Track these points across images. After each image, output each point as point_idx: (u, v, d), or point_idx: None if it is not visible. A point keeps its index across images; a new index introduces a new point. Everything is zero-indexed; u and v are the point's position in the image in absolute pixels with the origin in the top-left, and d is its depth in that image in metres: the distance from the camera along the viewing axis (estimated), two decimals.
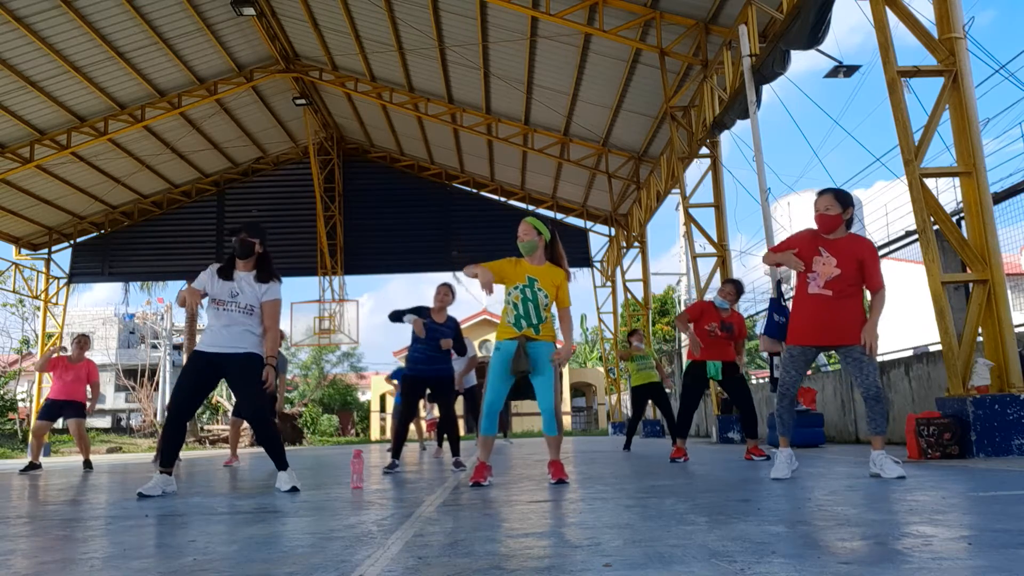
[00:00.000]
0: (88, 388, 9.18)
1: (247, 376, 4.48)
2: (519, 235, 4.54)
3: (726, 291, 6.59)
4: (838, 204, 4.11)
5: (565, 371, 31.63)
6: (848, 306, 4.06)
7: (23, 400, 24.29)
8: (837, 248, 4.10)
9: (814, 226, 4.23)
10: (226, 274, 4.56)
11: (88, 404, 9.47)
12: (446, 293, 6.52)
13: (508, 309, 4.45)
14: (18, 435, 21.70)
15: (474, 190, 21.17)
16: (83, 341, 9.29)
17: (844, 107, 78.48)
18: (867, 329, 4.00)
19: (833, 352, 4.32)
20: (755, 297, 22.96)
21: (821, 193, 4.20)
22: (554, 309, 4.57)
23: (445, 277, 20.71)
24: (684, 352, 8.93)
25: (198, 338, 4.73)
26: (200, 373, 4.48)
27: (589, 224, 21.00)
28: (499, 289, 4.51)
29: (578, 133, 16.44)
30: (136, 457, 16.22)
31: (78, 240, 20.83)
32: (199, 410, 5.03)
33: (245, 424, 11.20)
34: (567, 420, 31.11)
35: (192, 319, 26.39)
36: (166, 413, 4.56)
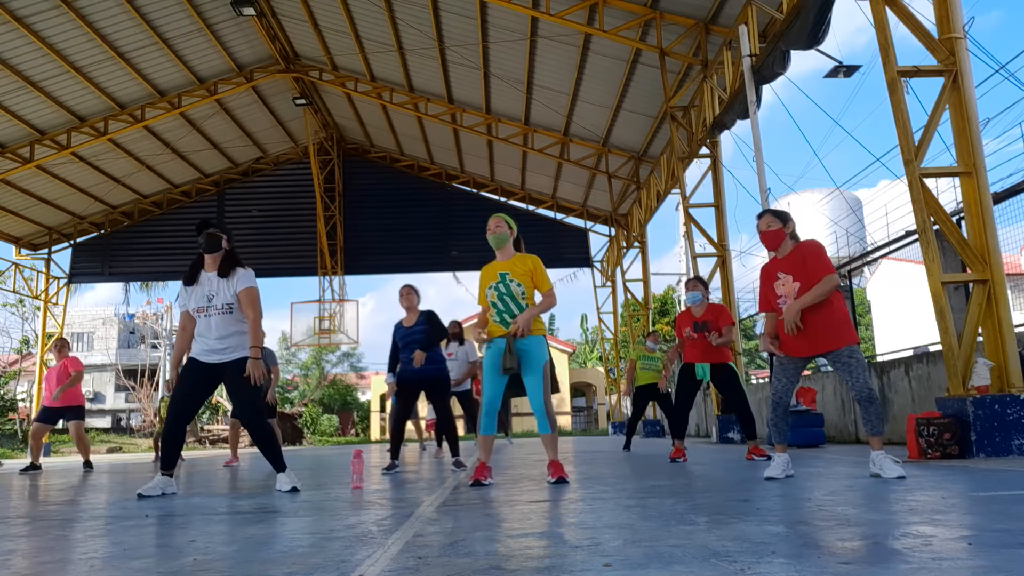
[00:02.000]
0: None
1: (243, 382, 4.49)
2: (490, 228, 4.60)
3: (690, 285, 6.64)
4: (778, 220, 4.28)
5: (565, 371, 31.62)
6: (825, 313, 4.09)
7: (23, 400, 24.31)
8: (788, 263, 4.22)
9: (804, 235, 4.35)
10: (192, 278, 4.57)
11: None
12: (408, 294, 6.45)
13: (490, 312, 4.50)
14: (18, 435, 21.70)
15: (474, 190, 21.18)
16: (61, 345, 9.27)
17: (844, 107, 78.50)
18: (790, 308, 4.09)
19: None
20: (755, 297, 22.97)
21: (760, 216, 4.36)
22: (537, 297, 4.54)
23: (445, 277, 20.78)
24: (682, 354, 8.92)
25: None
26: (196, 381, 4.49)
27: (589, 224, 21.01)
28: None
29: (578, 133, 16.44)
30: (136, 457, 16.22)
31: (78, 240, 20.83)
32: (199, 410, 5.01)
33: None
34: (567, 420, 31.10)
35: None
36: (164, 418, 4.58)
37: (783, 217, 4.30)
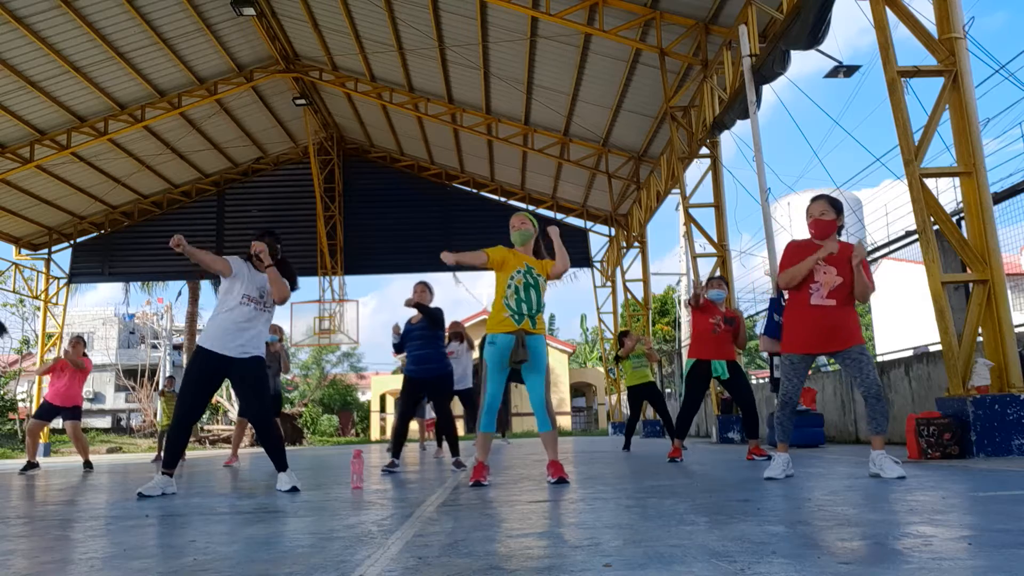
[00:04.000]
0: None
1: (253, 380, 4.50)
2: (514, 225, 4.64)
3: (714, 284, 6.64)
4: (832, 210, 4.16)
5: (565, 371, 31.64)
6: (848, 313, 4.10)
7: (23, 400, 24.32)
8: (833, 257, 4.09)
9: (807, 233, 4.29)
10: (248, 262, 4.65)
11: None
12: (422, 291, 6.48)
13: (508, 295, 4.42)
14: (18, 435, 21.72)
15: (474, 190, 21.17)
16: (76, 341, 9.30)
17: (844, 107, 78.43)
18: (862, 250, 4.05)
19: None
20: (755, 297, 22.96)
21: (815, 199, 4.25)
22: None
23: (445, 277, 20.70)
24: (684, 352, 8.91)
25: (198, 338, 4.76)
26: (204, 377, 4.49)
27: (589, 224, 21.00)
28: (490, 279, 4.63)
29: (578, 133, 16.44)
30: (136, 457, 16.23)
31: (78, 240, 20.83)
32: (206, 409, 4.98)
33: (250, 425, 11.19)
34: (568, 420, 31.11)
35: (192, 319, 26.41)
36: (173, 414, 4.56)
37: (838, 208, 4.19)
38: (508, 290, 4.44)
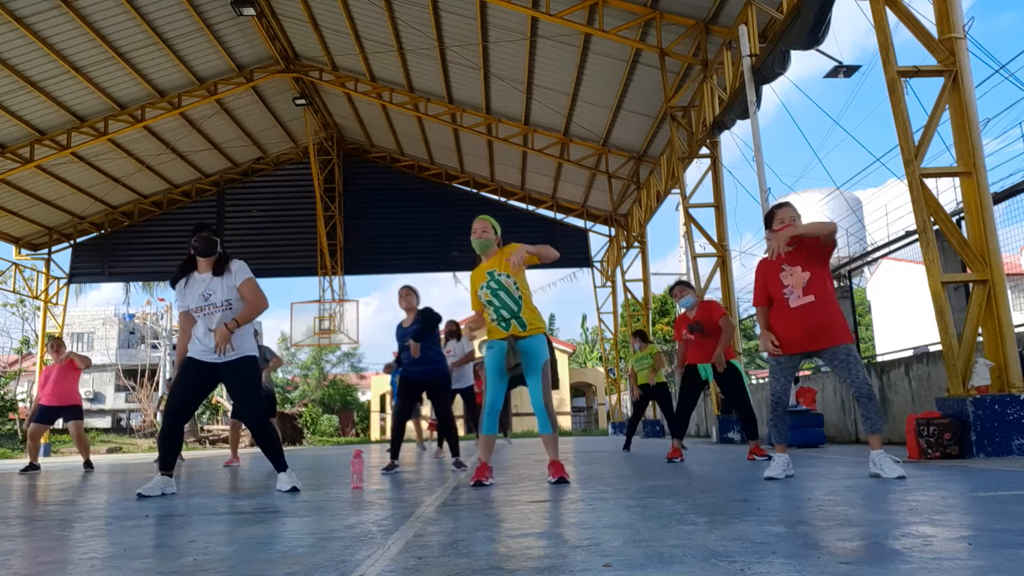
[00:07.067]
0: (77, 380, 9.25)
1: (242, 381, 4.48)
2: (476, 231, 4.57)
3: (679, 292, 6.69)
4: (797, 215, 4.31)
5: (565, 371, 31.62)
6: (830, 308, 4.14)
7: (23, 400, 24.32)
8: (794, 256, 4.21)
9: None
10: (179, 277, 4.55)
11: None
12: (407, 295, 6.47)
13: (487, 312, 4.50)
14: (18, 435, 21.71)
15: (474, 190, 21.18)
16: (59, 345, 9.26)
17: (844, 107, 78.45)
18: (784, 232, 4.11)
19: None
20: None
21: (781, 206, 4.36)
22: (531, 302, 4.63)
23: (445, 277, 20.72)
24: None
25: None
26: (194, 380, 4.48)
27: (589, 224, 21.00)
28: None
29: (578, 133, 16.44)
30: (136, 457, 16.22)
31: (78, 240, 20.82)
32: (198, 410, 4.99)
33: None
34: (568, 420, 31.11)
35: None
36: (162, 418, 4.57)
37: (800, 215, 4.35)
38: (483, 305, 4.51)
